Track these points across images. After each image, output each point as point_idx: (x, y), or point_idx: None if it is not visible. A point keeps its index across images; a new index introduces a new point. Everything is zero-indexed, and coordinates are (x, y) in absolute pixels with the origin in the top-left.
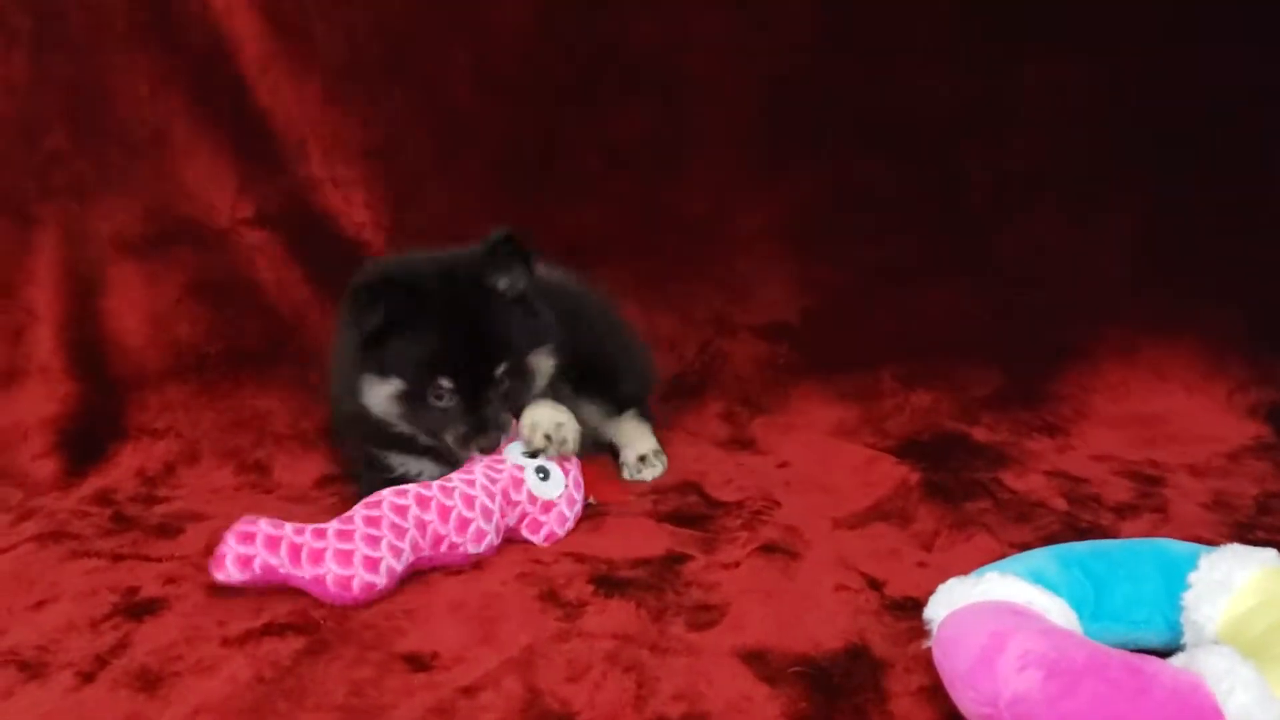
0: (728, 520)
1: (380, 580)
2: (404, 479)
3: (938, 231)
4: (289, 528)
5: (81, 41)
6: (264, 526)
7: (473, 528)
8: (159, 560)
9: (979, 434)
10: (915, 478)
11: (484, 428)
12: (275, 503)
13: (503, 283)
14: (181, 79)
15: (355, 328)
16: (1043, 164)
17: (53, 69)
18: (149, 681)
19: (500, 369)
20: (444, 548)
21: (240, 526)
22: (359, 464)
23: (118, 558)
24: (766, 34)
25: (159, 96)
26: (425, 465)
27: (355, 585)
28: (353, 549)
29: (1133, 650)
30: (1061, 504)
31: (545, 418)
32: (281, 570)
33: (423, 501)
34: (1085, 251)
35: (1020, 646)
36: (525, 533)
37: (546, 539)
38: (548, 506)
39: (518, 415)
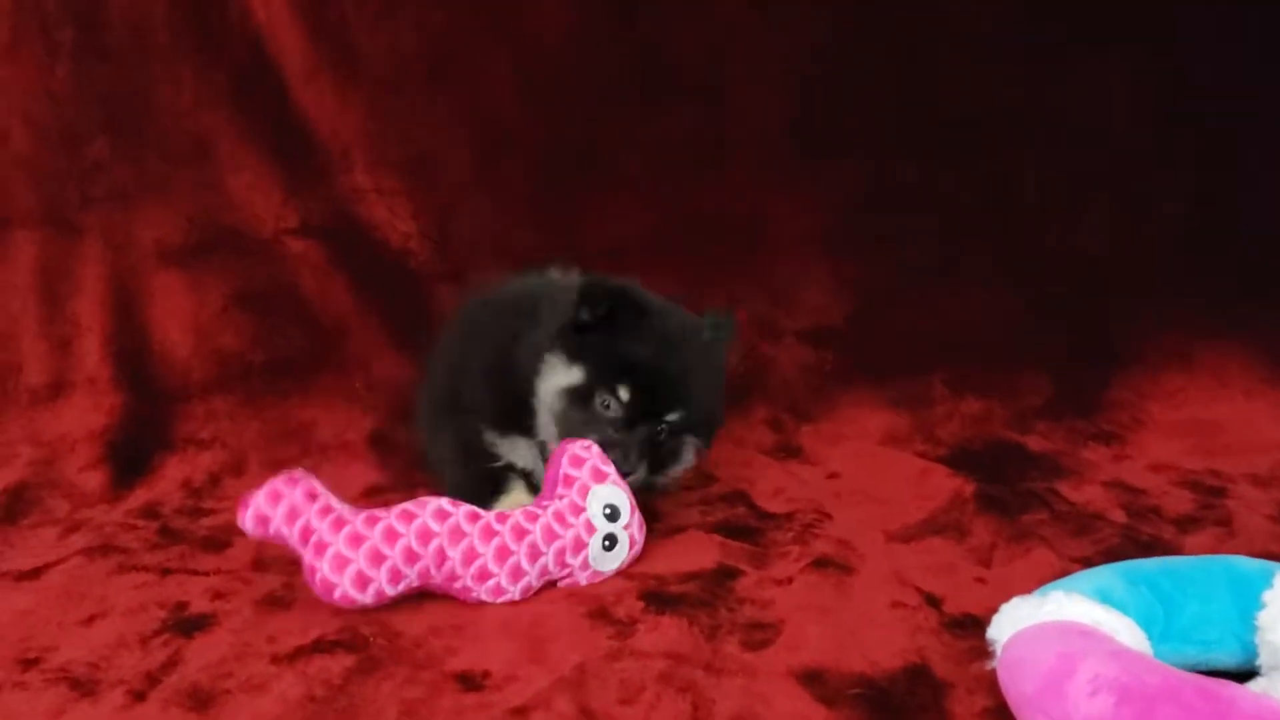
0: (778, 533)
1: (365, 599)
2: (508, 468)
3: (983, 234)
4: (316, 507)
5: (124, 52)
6: (296, 495)
7: (511, 561)
8: (206, 574)
9: (1033, 443)
10: (970, 489)
11: (641, 453)
12: None
13: (718, 355)
14: (224, 90)
15: (573, 313)
16: (1090, 164)
17: (95, 80)
18: (200, 700)
19: (674, 415)
20: (458, 586)
21: (277, 483)
22: (456, 451)
23: (166, 572)
24: (807, 34)
25: (202, 107)
26: (533, 455)
27: (336, 594)
28: (352, 559)
29: (1205, 673)
30: (1121, 516)
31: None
32: (290, 542)
33: (455, 534)
34: (1137, 253)
35: (1091, 670)
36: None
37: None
38: (596, 576)
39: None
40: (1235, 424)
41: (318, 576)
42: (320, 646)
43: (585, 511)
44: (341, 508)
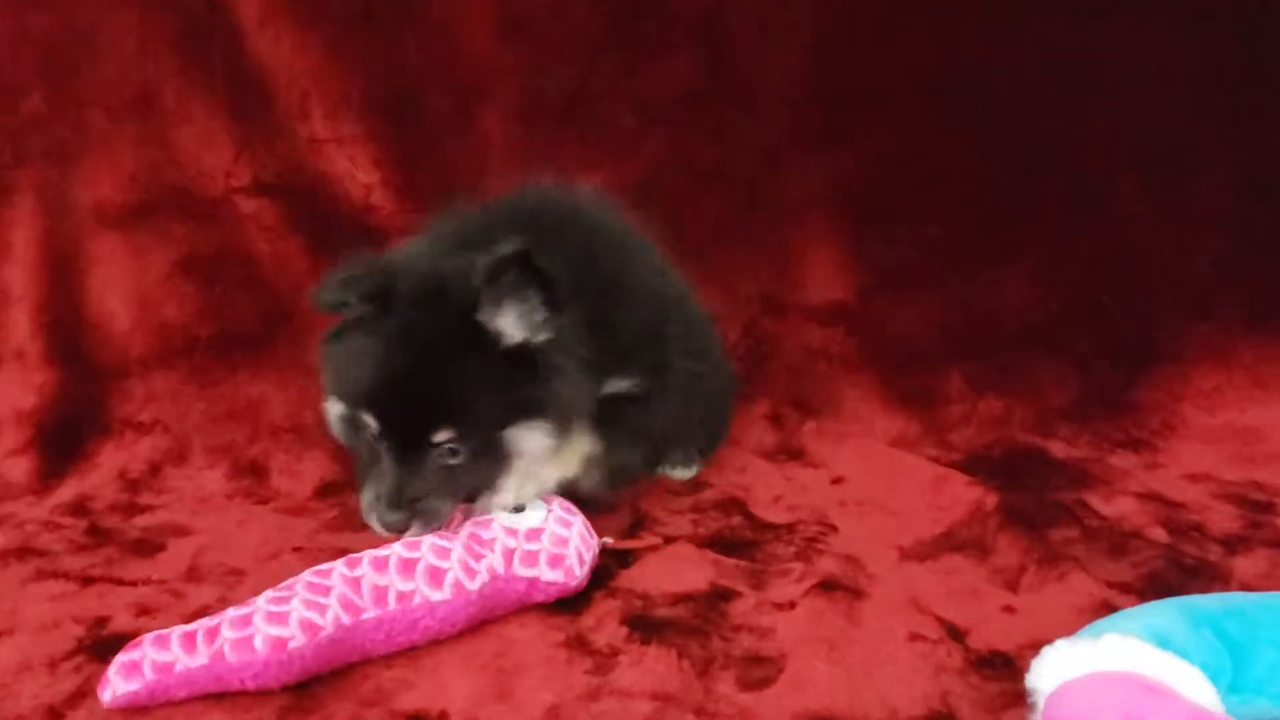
0: (778, 547)
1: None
2: None
3: (1009, 212)
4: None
5: None
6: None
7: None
8: (134, 584)
9: (1056, 448)
10: (991, 500)
11: (392, 499)
12: (270, 515)
13: (502, 322)
14: (172, 35)
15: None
16: (1125, 139)
17: (30, 26)
18: None
19: (440, 436)
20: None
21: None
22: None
23: (88, 580)
24: None
25: (147, 54)
26: None
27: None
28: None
29: None
30: (1161, 534)
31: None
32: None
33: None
34: (1172, 239)
35: None
36: (543, 569)
37: (568, 575)
38: (534, 534)
39: (474, 499)
40: (1276, 430)
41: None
42: None
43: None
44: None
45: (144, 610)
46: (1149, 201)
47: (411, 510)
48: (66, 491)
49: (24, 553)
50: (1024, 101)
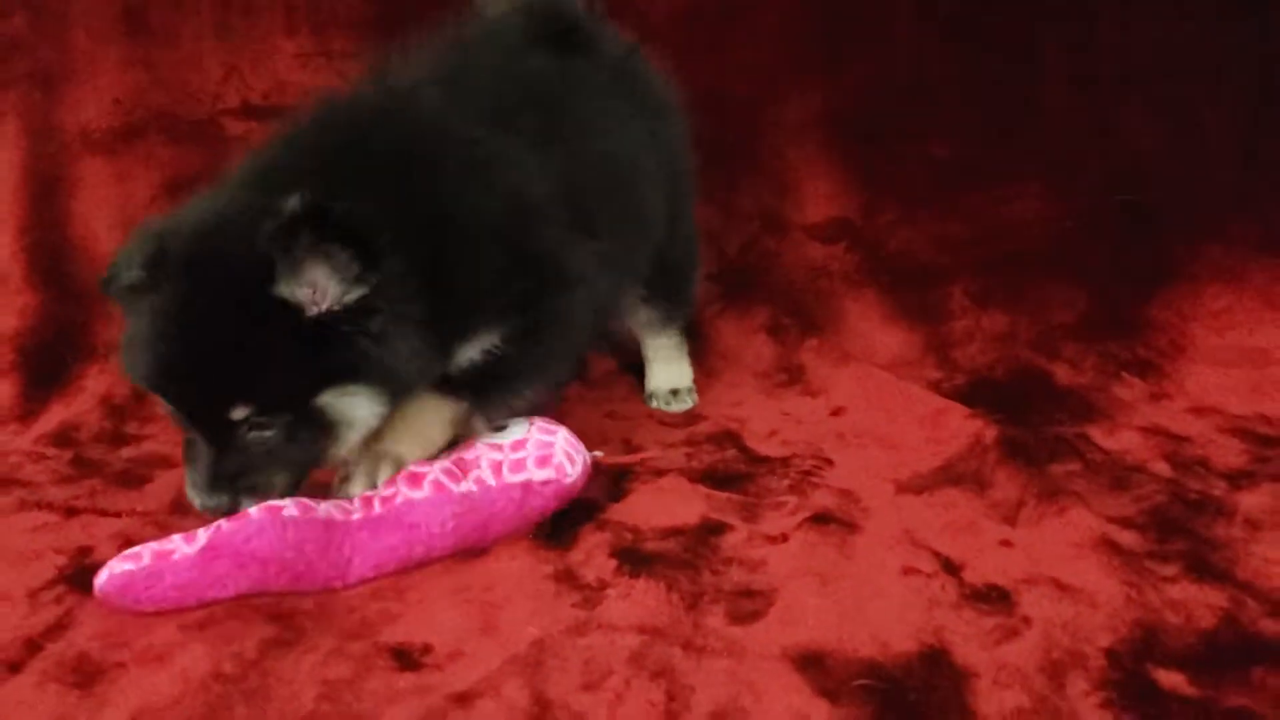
0: (771, 480)
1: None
2: None
3: (1015, 129)
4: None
5: None
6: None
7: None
8: (118, 515)
9: (1061, 374)
10: (991, 433)
11: (208, 482)
12: None
13: (301, 292)
14: None
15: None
16: (1134, 56)
17: None
18: (86, 675)
19: (239, 413)
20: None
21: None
22: None
23: (71, 511)
24: None
25: None
26: None
27: None
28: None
29: None
30: (1164, 468)
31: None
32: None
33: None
34: (1184, 157)
35: None
36: (532, 470)
37: (559, 472)
38: (518, 445)
39: (318, 464)
40: None
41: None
42: (236, 611)
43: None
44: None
45: (127, 541)
46: (1162, 122)
47: (234, 489)
48: (51, 419)
49: (7, 483)
50: (1031, 18)
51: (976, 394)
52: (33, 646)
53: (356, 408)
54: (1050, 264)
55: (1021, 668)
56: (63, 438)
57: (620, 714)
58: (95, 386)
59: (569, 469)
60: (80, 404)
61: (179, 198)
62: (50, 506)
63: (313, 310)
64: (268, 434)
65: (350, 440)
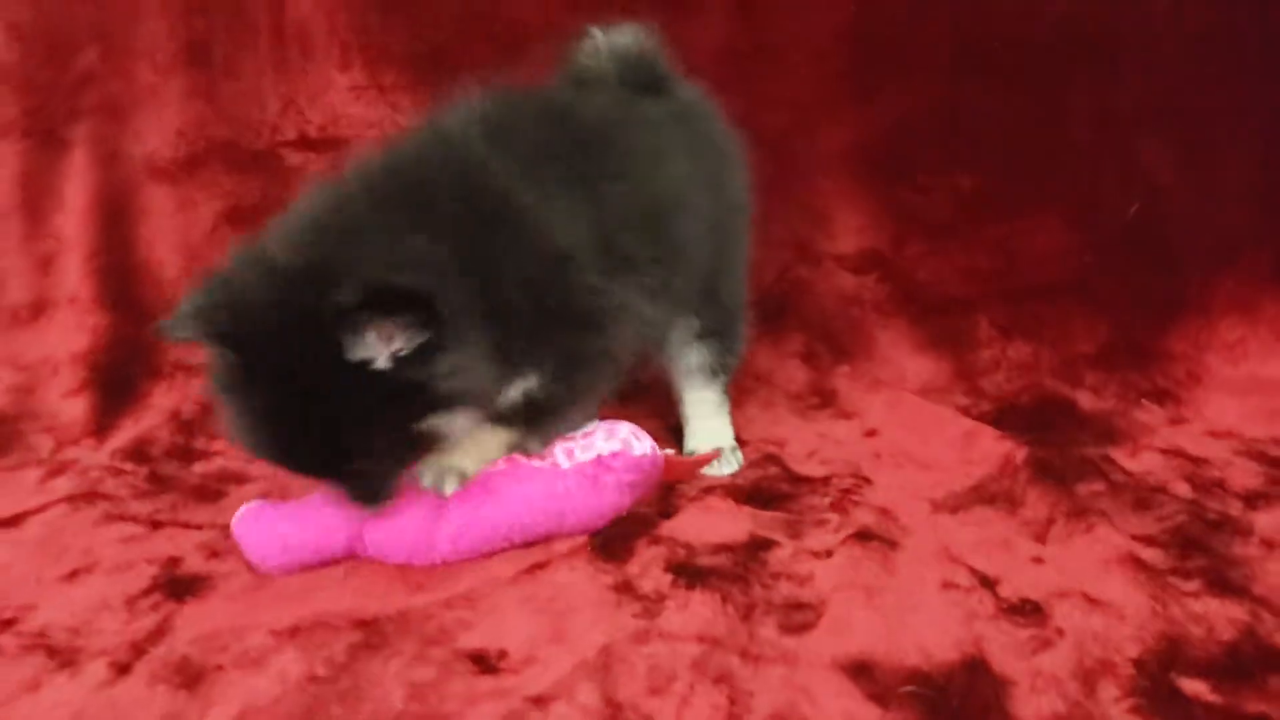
0: (813, 499)
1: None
2: None
3: (1040, 165)
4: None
5: None
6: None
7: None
8: (199, 528)
9: (1084, 400)
10: (1021, 454)
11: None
12: None
13: (371, 353)
14: None
15: None
16: (1157, 96)
17: None
18: (190, 676)
19: (354, 466)
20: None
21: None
22: None
23: (156, 524)
24: None
25: (194, 10)
26: None
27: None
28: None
29: None
30: (1184, 489)
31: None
32: None
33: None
34: (1201, 194)
35: None
36: (599, 445)
37: (625, 445)
38: (586, 435)
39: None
40: None
41: None
42: (324, 618)
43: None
44: None
45: (213, 553)
46: (1179, 158)
47: (366, 502)
48: (124, 435)
49: (92, 497)
50: (1056, 58)
51: (1004, 419)
52: (138, 650)
53: (452, 424)
54: (1071, 296)
55: (1056, 675)
56: (137, 453)
57: (687, 715)
58: (164, 403)
59: (635, 444)
60: (150, 419)
61: (240, 225)
62: (135, 519)
63: (384, 364)
64: (374, 464)
65: (447, 448)
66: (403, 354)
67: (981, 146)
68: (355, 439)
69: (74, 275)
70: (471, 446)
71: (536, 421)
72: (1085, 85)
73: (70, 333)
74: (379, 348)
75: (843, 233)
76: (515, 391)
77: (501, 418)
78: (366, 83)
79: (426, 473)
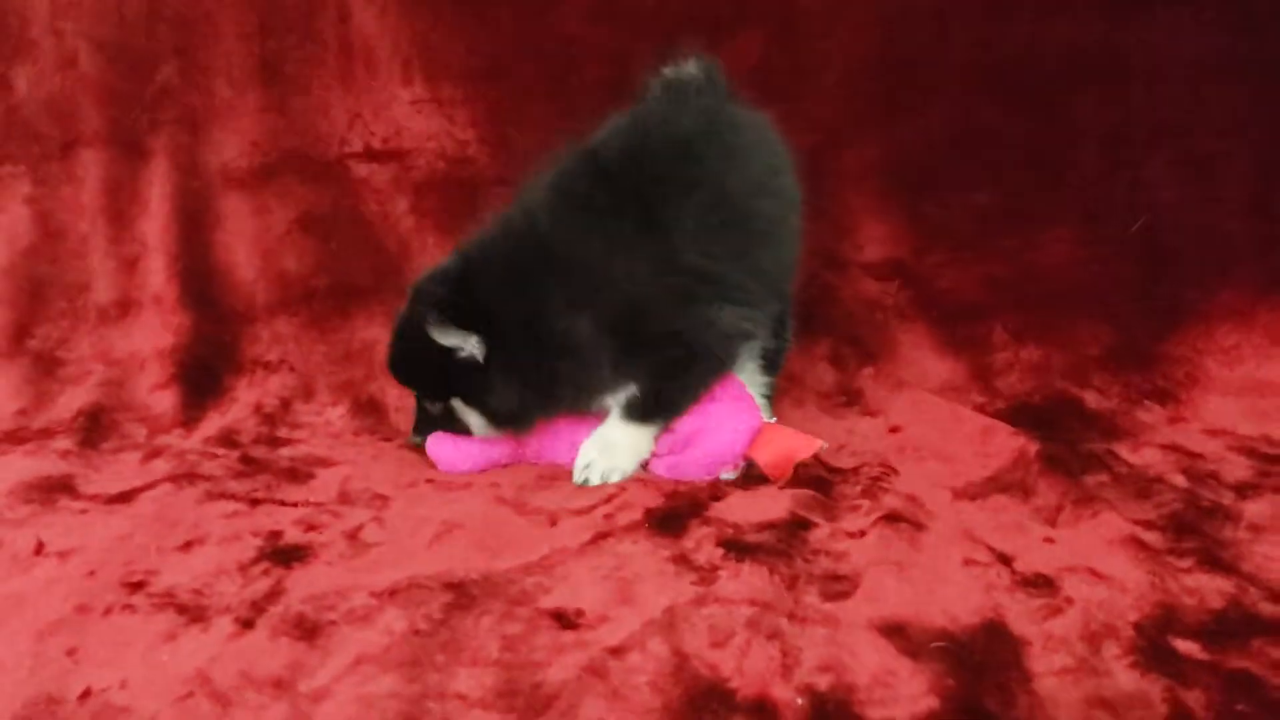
0: (846, 487)
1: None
2: None
3: (1051, 180)
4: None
5: None
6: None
7: None
8: (294, 505)
9: (1091, 399)
10: (1033, 449)
11: (413, 427)
12: (395, 450)
13: (442, 339)
14: (288, 13)
15: None
16: (1160, 116)
17: (163, 4)
18: (308, 630)
19: (422, 397)
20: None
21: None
22: None
23: (254, 502)
24: None
25: (267, 30)
26: None
27: None
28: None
29: None
30: (1181, 480)
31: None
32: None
33: None
34: (1200, 208)
35: None
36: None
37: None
38: None
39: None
40: None
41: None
42: (416, 582)
43: None
44: None
45: (311, 527)
46: (1180, 174)
47: (425, 433)
48: (212, 425)
49: (192, 477)
50: (1068, 80)
51: (1017, 416)
52: (257, 608)
53: (469, 415)
54: (1079, 303)
55: (1066, 638)
56: (226, 440)
57: (746, 665)
58: (247, 397)
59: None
60: (235, 412)
61: (311, 231)
62: (235, 497)
63: (462, 353)
64: (435, 409)
65: (475, 431)
66: (462, 354)
67: (998, 165)
68: (422, 382)
69: (158, 277)
70: (627, 447)
71: (651, 413)
72: (1093, 107)
73: (156, 331)
74: (443, 339)
75: (868, 243)
76: (620, 397)
77: (628, 410)
78: (427, 97)
79: (594, 471)
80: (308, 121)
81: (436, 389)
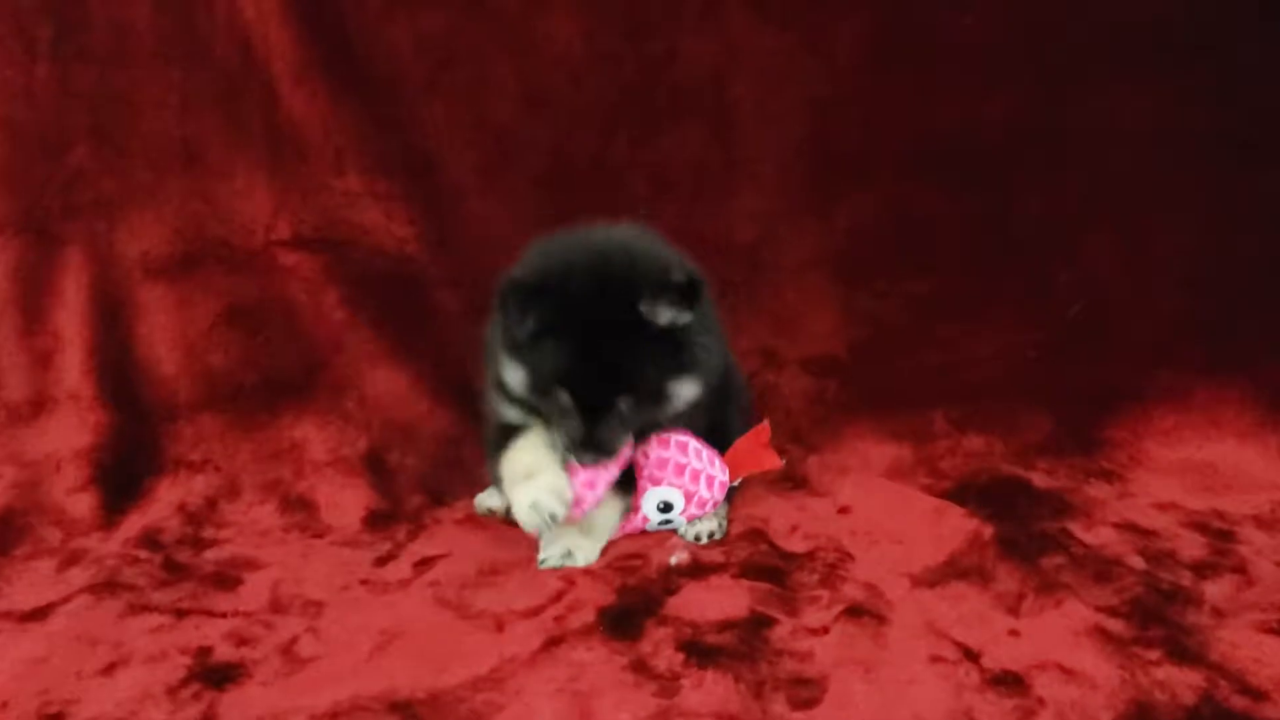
0: (803, 575)
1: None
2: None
3: (989, 265)
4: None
5: (106, 53)
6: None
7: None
8: (223, 616)
9: (1038, 479)
10: (988, 531)
11: (588, 445)
12: (327, 548)
13: (660, 317)
14: (212, 92)
15: (504, 326)
16: (1096, 196)
17: (76, 81)
18: None
19: (622, 399)
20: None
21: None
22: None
23: (180, 613)
24: (816, 57)
25: (189, 111)
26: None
27: None
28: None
29: None
30: (1138, 561)
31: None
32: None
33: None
34: (1138, 290)
35: None
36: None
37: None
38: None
39: (641, 438)
40: (1228, 466)
41: None
42: (359, 704)
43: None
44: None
45: (242, 641)
46: (1117, 256)
47: (597, 453)
48: (133, 526)
49: (113, 587)
50: (1000, 162)
51: (965, 496)
52: None
53: (686, 389)
54: (1018, 390)
55: None
56: (148, 541)
57: None
58: (169, 496)
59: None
60: (157, 512)
61: (237, 323)
62: (159, 609)
63: (661, 324)
64: (626, 409)
65: (674, 411)
66: (672, 323)
67: (934, 250)
68: (637, 368)
69: (74, 372)
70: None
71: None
72: (1030, 185)
73: (73, 430)
74: (661, 314)
75: (806, 338)
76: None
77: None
78: (360, 189)
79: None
80: (232, 207)
81: (658, 377)
